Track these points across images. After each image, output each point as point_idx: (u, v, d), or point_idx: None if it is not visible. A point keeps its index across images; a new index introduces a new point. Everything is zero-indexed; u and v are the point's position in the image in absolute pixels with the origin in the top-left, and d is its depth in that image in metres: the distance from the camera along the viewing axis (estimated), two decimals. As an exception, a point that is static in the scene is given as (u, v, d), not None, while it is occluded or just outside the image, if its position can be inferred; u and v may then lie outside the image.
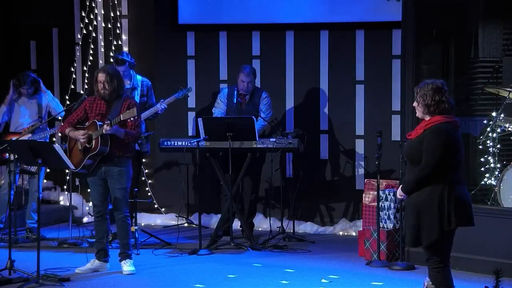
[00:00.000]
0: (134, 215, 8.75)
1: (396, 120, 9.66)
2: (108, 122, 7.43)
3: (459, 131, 5.79)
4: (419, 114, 5.83)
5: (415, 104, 5.84)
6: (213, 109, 9.37)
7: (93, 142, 7.50)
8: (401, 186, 5.88)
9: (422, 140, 5.68)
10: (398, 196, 5.91)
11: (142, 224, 9.99)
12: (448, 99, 5.77)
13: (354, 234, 9.49)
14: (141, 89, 9.13)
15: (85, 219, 10.30)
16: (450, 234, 5.71)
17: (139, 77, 9.20)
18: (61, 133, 8.13)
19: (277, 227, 9.29)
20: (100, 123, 7.50)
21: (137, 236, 8.50)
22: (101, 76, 7.59)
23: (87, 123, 7.66)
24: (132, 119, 7.46)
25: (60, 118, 9.53)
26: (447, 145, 5.63)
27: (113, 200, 7.61)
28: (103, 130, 7.41)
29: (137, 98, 9.00)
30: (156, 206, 10.52)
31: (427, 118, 5.77)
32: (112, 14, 10.58)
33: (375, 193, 8.18)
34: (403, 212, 5.86)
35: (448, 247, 5.75)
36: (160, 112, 8.96)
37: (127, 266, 7.61)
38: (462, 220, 5.68)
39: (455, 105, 5.83)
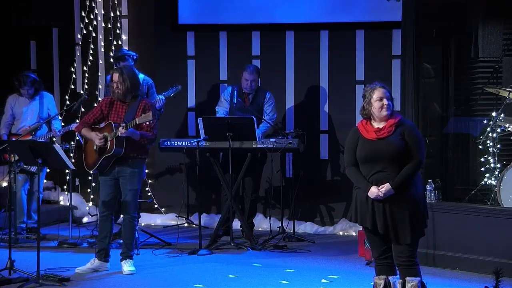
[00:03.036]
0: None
1: (396, 120, 9.64)
2: (124, 125, 7.39)
3: None
4: (387, 112, 5.83)
5: (389, 102, 5.84)
6: (216, 107, 9.35)
7: (109, 143, 7.48)
8: (387, 184, 5.72)
9: (402, 135, 5.78)
10: (381, 194, 5.74)
11: (142, 224, 9.97)
12: None
13: (354, 234, 9.49)
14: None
15: (85, 219, 10.30)
16: None
17: (141, 76, 9.17)
18: (77, 132, 8.13)
19: (277, 227, 9.28)
20: (115, 124, 7.46)
21: (137, 236, 8.49)
22: (115, 76, 7.58)
23: (103, 124, 7.63)
24: (148, 122, 7.45)
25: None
26: None
27: (123, 201, 7.59)
28: (118, 133, 7.39)
29: None
30: (156, 206, 10.51)
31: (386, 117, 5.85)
32: (112, 14, 10.57)
33: (375, 193, 8.16)
34: (387, 211, 5.72)
35: None
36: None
37: (127, 266, 7.61)
38: None
39: None
